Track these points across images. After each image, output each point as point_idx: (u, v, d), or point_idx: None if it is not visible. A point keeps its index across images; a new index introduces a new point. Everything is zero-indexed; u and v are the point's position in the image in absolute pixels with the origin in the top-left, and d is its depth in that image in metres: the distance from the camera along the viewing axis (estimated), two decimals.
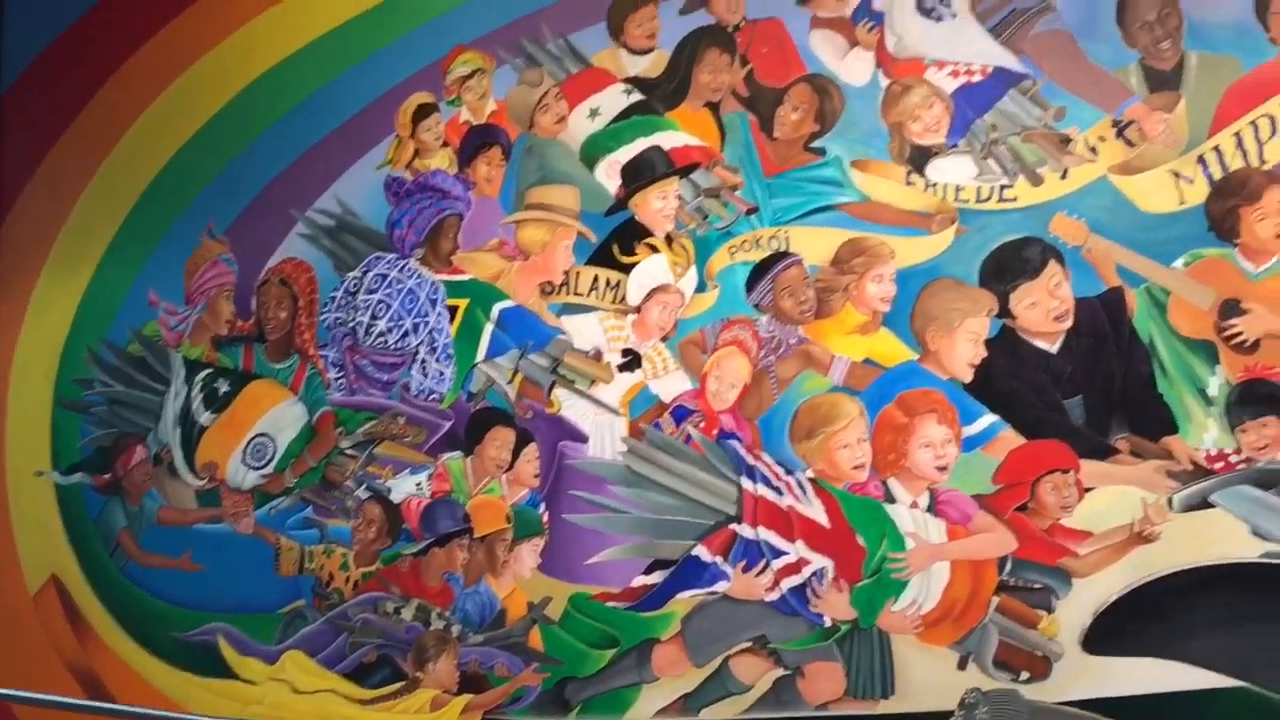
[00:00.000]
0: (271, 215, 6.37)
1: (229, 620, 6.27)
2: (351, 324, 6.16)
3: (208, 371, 6.47)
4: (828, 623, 5.17)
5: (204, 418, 6.44)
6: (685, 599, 5.39)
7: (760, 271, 5.42)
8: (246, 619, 6.24)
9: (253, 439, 6.32)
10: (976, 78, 5.16)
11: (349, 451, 6.11)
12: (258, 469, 6.31)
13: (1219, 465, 4.69)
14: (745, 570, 5.29)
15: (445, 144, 6.04)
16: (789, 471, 5.27)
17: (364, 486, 6.06)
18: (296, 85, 6.35)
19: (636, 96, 5.69)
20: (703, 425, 5.44)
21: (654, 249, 5.61)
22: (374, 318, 6.11)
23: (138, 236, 6.68)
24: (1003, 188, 5.08)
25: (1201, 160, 4.80)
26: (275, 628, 6.17)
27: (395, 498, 5.99)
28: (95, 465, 6.73)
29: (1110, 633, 4.78)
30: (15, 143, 6.98)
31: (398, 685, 5.88)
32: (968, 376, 5.06)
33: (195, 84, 6.57)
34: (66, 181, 6.84)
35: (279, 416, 6.28)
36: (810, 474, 5.24)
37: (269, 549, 6.23)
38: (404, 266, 6.08)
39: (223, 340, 6.47)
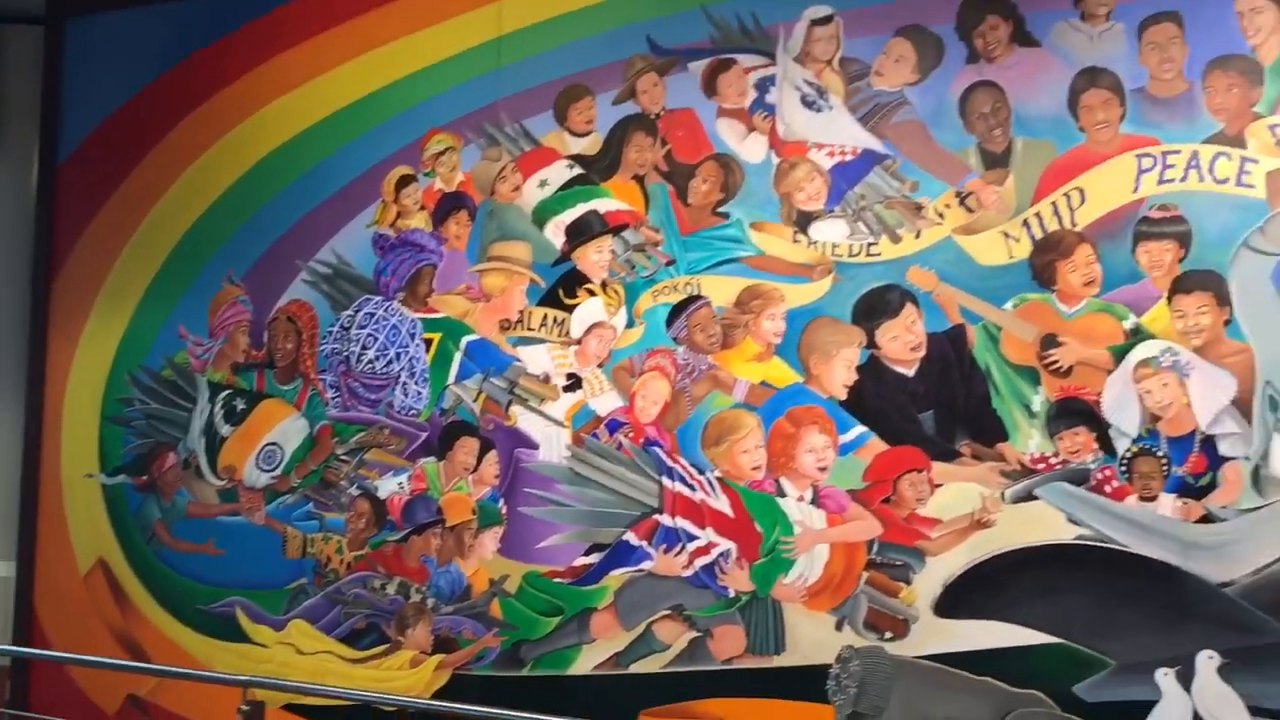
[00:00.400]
0: (280, 265, 6.32)
1: (245, 595, 6.22)
2: (345, 353, 6.12)
3: (228, 392, 6.42)
4: (732, 593, 5.18)
5: (224, 430, 6.40)
6: (617, 575, 5.40)
7: (677, 311, 5.41)
8: (259, 594, 6.20)
9: (264, 447, 6.28)
10: (848, 157, 5.16)
11: (343, 457, 6.07)
12: (268, 471, 6.26)
13: (1041, 466, 4.73)
14: (666, 552, 5.30)
15: (422, 207, 6.00)
16: (700, 472, 5.29)
17: (355, 485, 6.02)
18: (300, 160, 6.29)
19: (578, 170, 5.67)
20: (631, 435, 5.44)
21: (592, 293, 5.60)
22: (364, 348, 6.07)
23: (170, 282, 6.61)
24: (869, 245, 5.09)
25: (1026, 224, 4.82)
26: (282, 601, 6.13)
27: (381, 495, 5.96)
28: (135, 469, 6.66)
29: (956, 600, 4.81)
30: (68, 208, 6.89)
31: (383, 647, 5.87)
32: (843, 395, 5.08)
33: (217, 160, 6.51)
34: (111, 239, 6.76)
35: (286, 429, 6.24)
36: (718, 474, 5.25)
37: (278, 537, 6.18)
38: (388, 306, 6.04)
39: (240, 366, 6.41)
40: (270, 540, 6.20)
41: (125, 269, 6.74)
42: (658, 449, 5.38)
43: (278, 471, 6.24)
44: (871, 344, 5.05)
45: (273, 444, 6.26)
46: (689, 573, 5.26)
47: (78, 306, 6.84)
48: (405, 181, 6.05)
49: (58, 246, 6.91)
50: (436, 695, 5.68)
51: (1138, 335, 4.62)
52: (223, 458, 6.39)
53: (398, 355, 5.99)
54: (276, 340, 6.30)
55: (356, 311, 6.12)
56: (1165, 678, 4.43)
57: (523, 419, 5.68)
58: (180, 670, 6.13)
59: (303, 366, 6.23)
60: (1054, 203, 4.78)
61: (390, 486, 5.94)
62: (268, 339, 6.33)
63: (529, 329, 5.72)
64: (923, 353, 4.96)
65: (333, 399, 6.15)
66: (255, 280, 6.39)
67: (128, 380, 6.71)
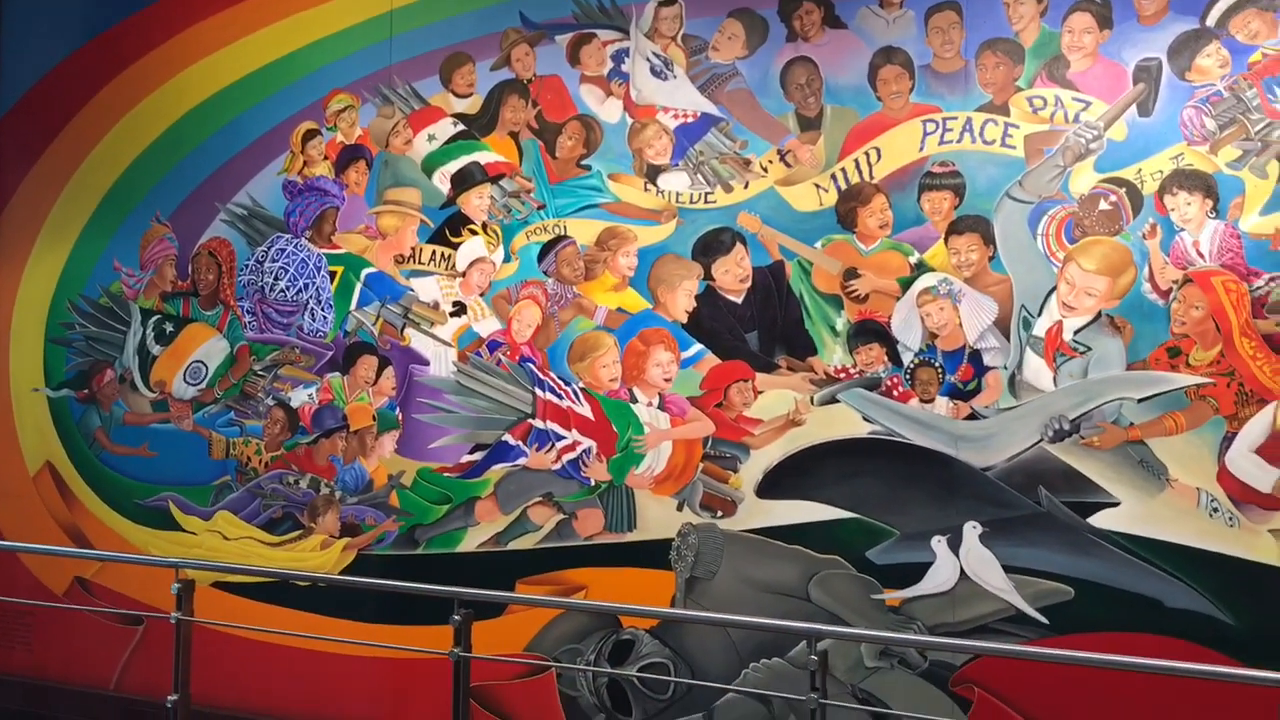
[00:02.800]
0: (202, 207, 6.13)
1: (176, 490, 6.11)
2: (260, 284, 5.97)
3: (157, 317, 6.24)
4: (592, 483, 5.23)
5: (155, 349, 6.22)
6: (497, 470, 5.40)
7: (547, 248, 5.38)
8: (189, 489, 6.09)
9: (191, 364, 6.12)
10: (690, 119, 5.14)
11: (260, 372, 5.95)
12: (195, 385, 6.11)
13: (843, 375, 4.81)
14: (538, 450, 5.32)
15: (326, 158, 5.85)
16: (567, 383, 5.29)
17: (271, 397, 5.92)
18: (218, 116, 6.10)
19: (461, 127, 5.58)
20: (509, 353, 5.42)
21: (474, 232, 5.52)
22: (276, 279, 5.93)
23: (104, 221, 6.38)
24: (707, 194, 5.09)
25: (834, 177, 4.86)
26: (209, 495, 6.03)
27: (294, 404, 5.86)
28: (77, 384, 6.47)
29: (774, 484, 4.89)
30: (11, 155, 6.62)
31: (298, 533, 5.82)
32: (684, 319, 5.10)
33: (144, 115, 6.27)
34: (50, 183, 6.50)
35: (210, 348, 6.08)
36: (581, 385, 5.27)
37: (204, 441, 6.07)
38: (297, 243, 5.90)
39: (168, 295, 6.22)
40: (197, 444, 6.08)
41: (64, 210, 6.49)
42: (531, 364, 5.36)
43: (203, 385, 6.10)
44: (708, 276, 5.07)
45: (198, 361, 6.11)
46: (557, 466, 5.28)
47: (21, 243, 6.58)
48: (310, 135, 5.89)
49: (2, 190, 6.63)
50: (344, 572, 5.66)
51: (921, 268, 4.70)
52: (154, 373, 6.23)
53: (306, 285, 5.86)
54: (200, 272, 6.13)
55: (269, 247, 5.97)
56: (939, 544, 4.57)
57: (415, 340, 5.61)
58: (120, 555, 6.02)
59: (223, 295, 6.08)
60: (856, 159, 4.83)
61: (301, 397, 5.85)
62: (192, 271, 6.16)
63: (420, 263, 5.63)
64: (749, 284, 5.00)
65: (250, 323, 6.00)
66: (180, 220, 6.20)
67: (69, 307, 6.50)
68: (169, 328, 6.21)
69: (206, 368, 6.09)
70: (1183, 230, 4.31)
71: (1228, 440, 4.20)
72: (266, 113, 5.98)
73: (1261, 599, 4.12)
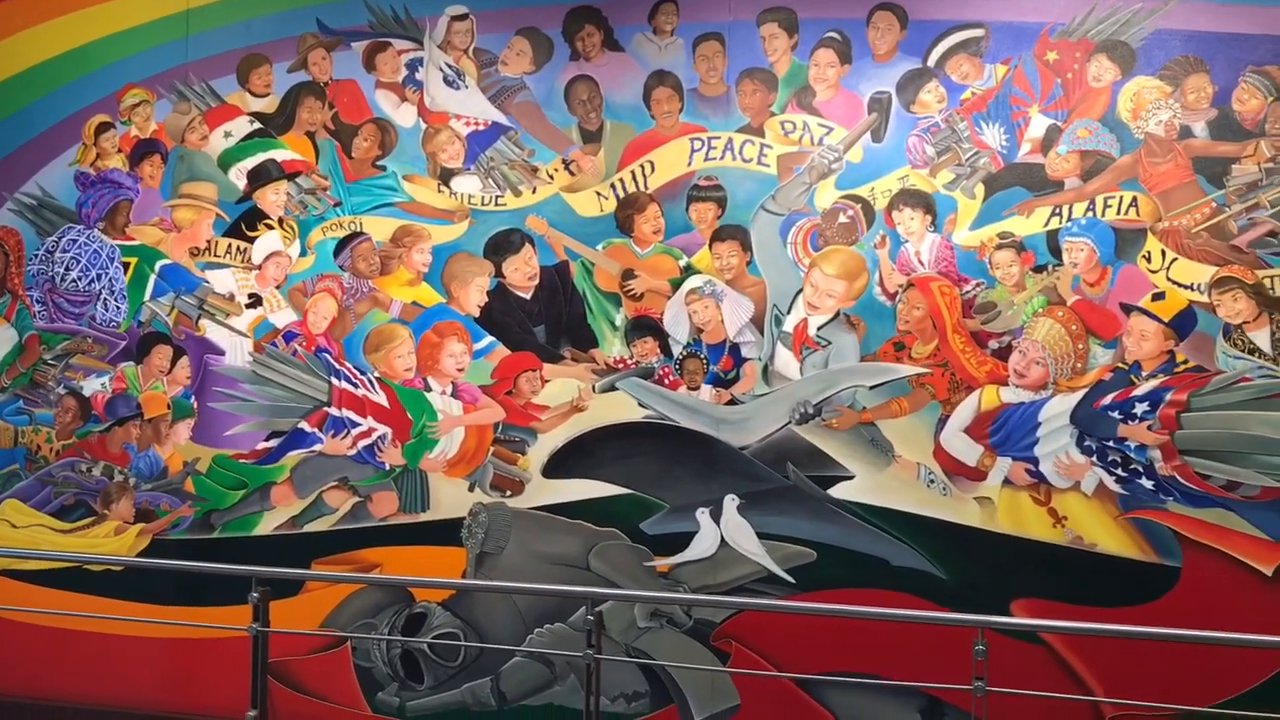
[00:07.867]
0: None
1: None
2: (51, 273, 5.93)
3: None
4: (388, 467, 5.44)
5: None
6: (294, 456, 5.56)
7: (343, 244, 5.55)
8: None
9: None
10: (481, 127, 5.41)
11: (50, 362, 5.90)
12: None
13: (621, 366, 5.20)
14: (334, 436, 5.49)
15: (120, 151, 5.85)
16: (362, 373, 5.49)
17: (63, 386, 5.88)
18: (5, 104, 6.00)
19: (257, 125, 5.69)
20: (305, 344, 5.57)
21: (270, 227, 5.65)
22: (67, 269, 5.90)
23: None
24: (497, 197, 5.38)
25: (613, 186, 5.24)
26: None
27: (86, 393, 5.85)
28: None
29: (560, 465, 5.23)
30: None
31: (90, 519, 5.81)
32: (477, 313, 5.38)
33: None
34: None
35: None
36: (377, 374, 5.47)
37: None
38: (90, 235, 5.88)
39: None
40: None
41: None
42: (327, 355, 5.52)
43: None
44: (499, 274, 5.35)
45: None
46: (353, 452, 5.46)
47: None
48: (104, 128, 5.88)
49: None
50: (139, 556, 5.68)
51: (689, 271, 5.14)
52: None
53: (98, 276, 5.85)
54: None
55: (60, 238, 5.93)
56: (703, 515, 5.03)
57: (211, 330, 5.69)
58: None
59: (11, 284, 5.98)
60: (633, 171, 5.22)
61: (94, 386, 5.83)
62: None
63: (215, 256, 5.71)
64: (537, 281, 5.30)
65: (40, 312, 5.94)
66: None
67: None
68: None
69: None
70: (907, 241, 4.93)
71: (942, 422, 4.82)
72: (56, 104, 5.92)
73: (968, 556, 4.75)
